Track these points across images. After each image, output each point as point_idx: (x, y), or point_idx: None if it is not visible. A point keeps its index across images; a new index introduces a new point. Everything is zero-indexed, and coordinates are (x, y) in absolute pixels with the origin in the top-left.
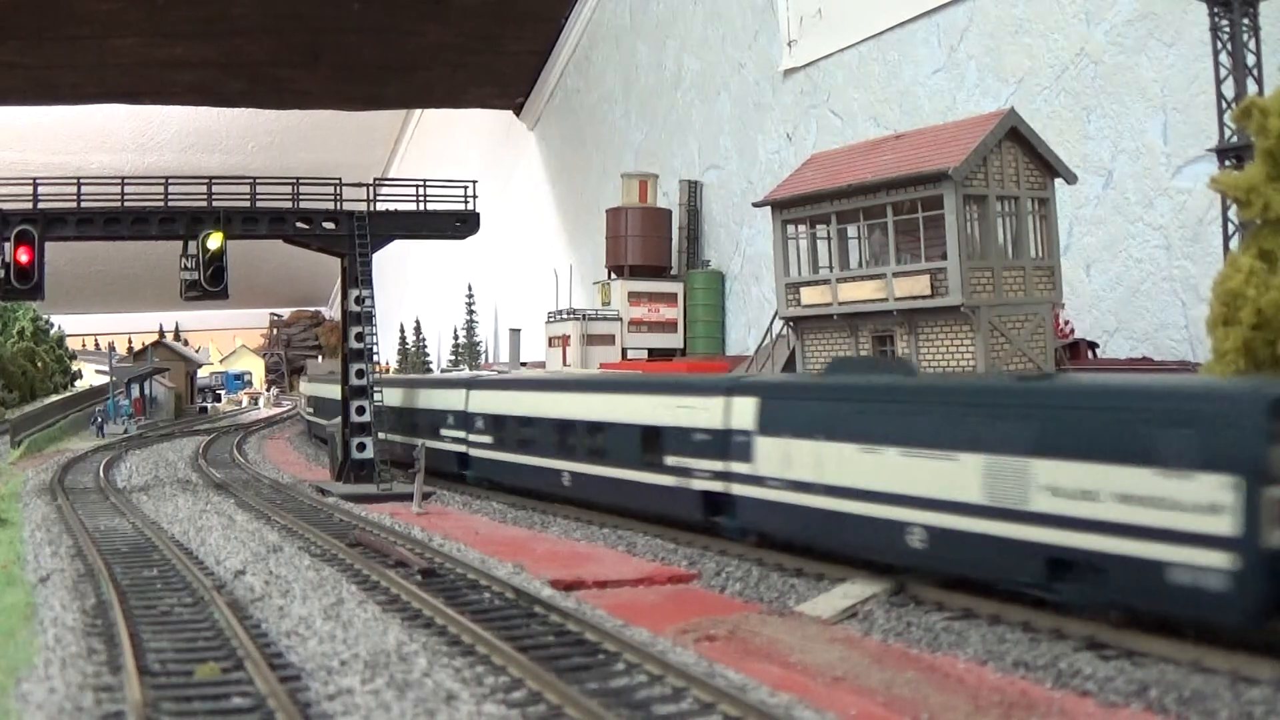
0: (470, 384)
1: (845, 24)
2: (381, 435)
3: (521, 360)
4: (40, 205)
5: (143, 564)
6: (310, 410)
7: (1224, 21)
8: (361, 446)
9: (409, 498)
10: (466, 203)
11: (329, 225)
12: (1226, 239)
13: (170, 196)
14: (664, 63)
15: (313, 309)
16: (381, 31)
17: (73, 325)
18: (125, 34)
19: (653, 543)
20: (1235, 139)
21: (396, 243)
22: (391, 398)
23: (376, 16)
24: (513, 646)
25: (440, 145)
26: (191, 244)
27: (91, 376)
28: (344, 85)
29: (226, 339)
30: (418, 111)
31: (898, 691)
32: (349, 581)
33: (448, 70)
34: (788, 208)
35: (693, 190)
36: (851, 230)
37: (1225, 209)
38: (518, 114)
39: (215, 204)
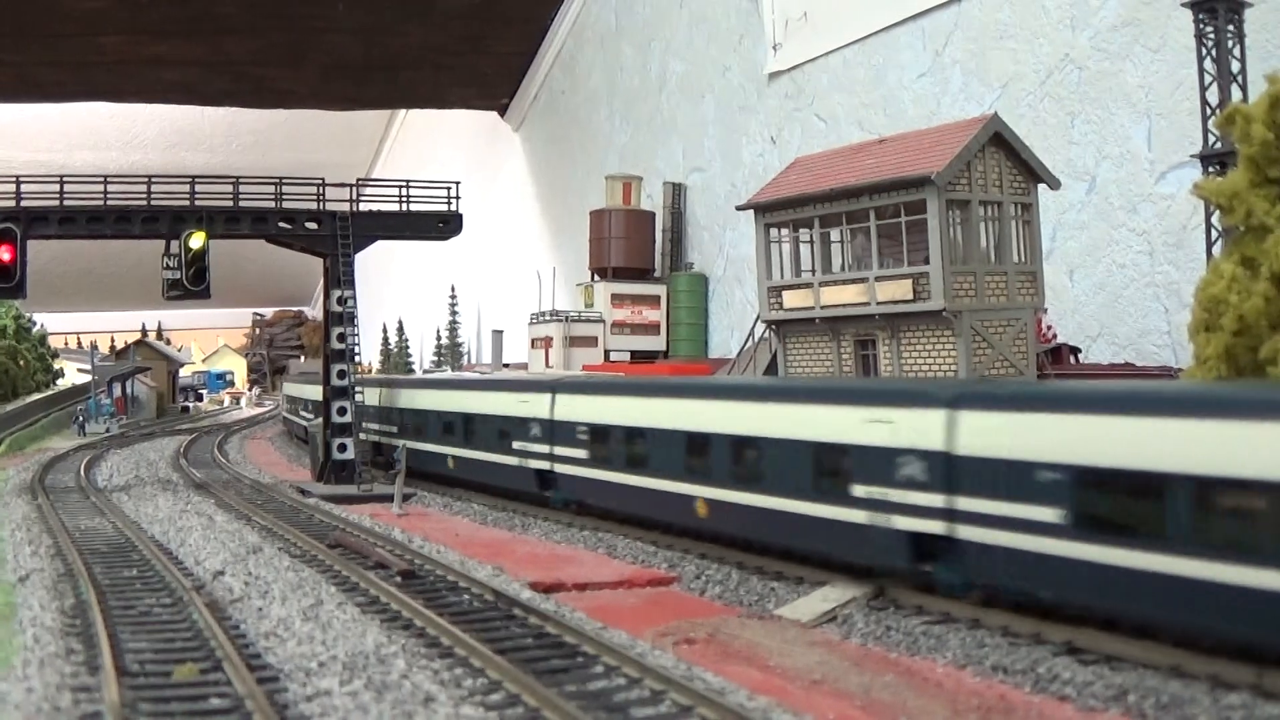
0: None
1: (830, 28)
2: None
3: (504, 362)
4: (23, 203)
5: (122, 564)
6: (288, 408)
7: (1209, 28)
8: (342, 447)
9: (389, 499)
10: (449, 204)
11: (312, 225)
12: (1210, 245)
13: (153, 195)
14: (649, 65)
15: (296, 309)
16: (366, 31)
17: (55, 324)
18: (110, 32)
19: (633, 545)
20: (1219, 145)
21: (380, 243)
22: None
23: (361, 16)
24: (491, 648)
25: (424, 146)
26: (174, 243)
27: (74, 375)
28: (328, 85)
29: (209, 338)
30: (402, 112)
31: (876, 695)
32: (328, 583)
33: (432, 71)
34: (771, 211)
35: (676, 193)
36: (834, 234)
37: (1209, 215)
38: (502, 115)
39: (198, 203)
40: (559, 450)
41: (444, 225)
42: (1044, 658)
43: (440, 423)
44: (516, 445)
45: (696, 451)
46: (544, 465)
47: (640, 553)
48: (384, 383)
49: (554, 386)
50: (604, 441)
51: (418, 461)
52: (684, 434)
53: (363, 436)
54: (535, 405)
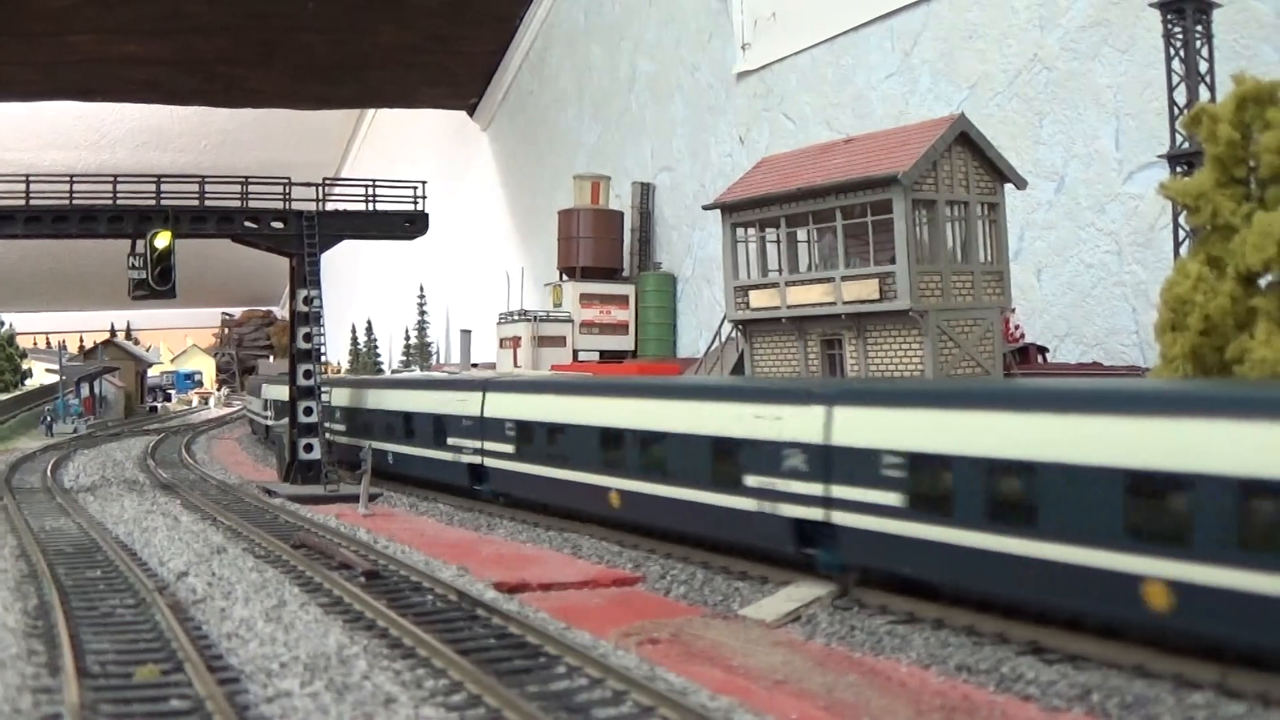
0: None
1: (799, 27)
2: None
3: (473, 362)
4: None
5: (86, 565)
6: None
7: (1177, 28)
8: (309, 447)
9: (356, 499)
10: (416, 203)
11: (277, 225)
12: (1177, 245)
13: (119, 195)
14: (618, 64)
15: (264, 309)
16: (336, 31)
17: (23, 324)
18: (80, 31)
19: (598, 545)
20: (1187, 145)
21: (348, 242)
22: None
23: (331, 15)
24: (454, 649)
25: (393, 145)
26: (139, 243)
27: (42, 375)
28: (298, 84)
29: (178, 338)
30: (371, 111)
31: (839, 695)
32: (292, 583)
33: (401, 70)
34: (737, 210)
35: (645, 192)
36: (801, 234)
37: (1176, 215)
38: (471, 115)
39: (164, 203)
40: (840, 492)
41: (410, 225)
42: (1008, 657)
43: (592, 441)
44: (754, 481)
45: (1147, 504)
46: (812, 513)
47: (605, 553)
48: (484, 385)
49: (830, 395)
50: (934, 481)
51: (535, 491)
52: (1121, 473)
53: (449, 458)
54: (793, 422)
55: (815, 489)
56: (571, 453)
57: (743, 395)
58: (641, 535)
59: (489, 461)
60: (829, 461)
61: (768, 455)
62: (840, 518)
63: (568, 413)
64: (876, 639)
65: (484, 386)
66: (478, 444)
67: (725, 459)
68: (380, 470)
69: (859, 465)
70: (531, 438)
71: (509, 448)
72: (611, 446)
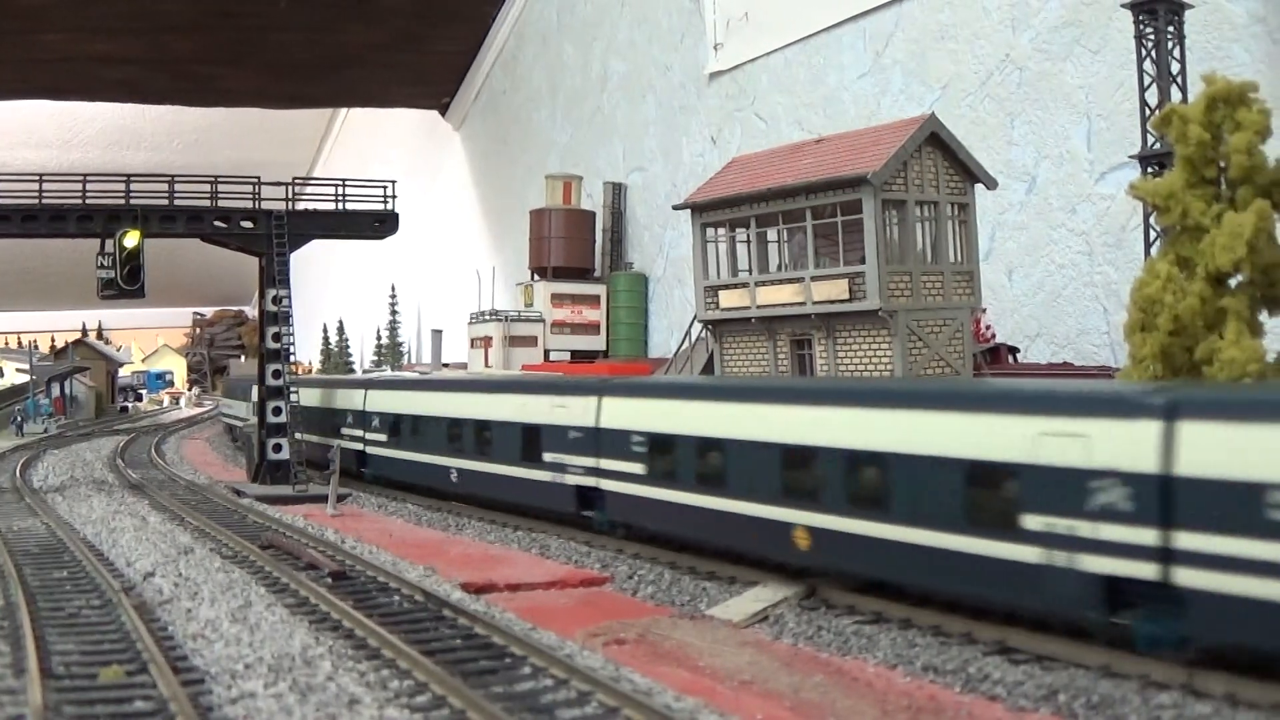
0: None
1: (772, 27)
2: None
3: (444, 361)
4: None
5: (53, 565)
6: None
7: (1149, 29)
8: (278, 448)
9: (324, 499)
10: (386, 203)
11: (247, 224)
12: (1148, 245)
13: (88, 194)
14: (590, 64)
15: (236, 308)
16: (308, 30)
17: None
18: (52, 29)
19: (566, 545)
20: (1158, 146)
21: (320, 242)
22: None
23: (303, 15)
24: (419, 650)
25: (365, 145)
26: (109, 242)
27: (12, 375)
28: (270, 83)
29: (149, 338)
30: (343, 110)
31: (805, 695)
32: (259, 584)
33: (374, 69)
34: (707, 210)
35: (617, 192)
36: (771, 234)
37: (1147, 216)
38: (443, 114)
39: (133, 202)
40: (1192, 541)
41: (380, 224)
42: (975, 657)
43: (769, 462)
44: (1036, 523)
45: None
46: (1137, 569)
47: (573, 553)
48: (600, 388)
49: (1169, 406)
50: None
51: (676, 524)
52: None
53: (546, 478)
54: (1107, 442)
55: (1144, 536)
56: (734, 476)
57: (1015, 404)
58: (827, 579)
59: (606, 484)
60: (1170, 498)
61: (1061, 488)
62: (1190, 578)
63: (730, 424)
64: (843, 639)
65: (600, 390)
66: (591, 461)
67: (988, 491)
68: (436, 491)
69: (1228, 505)
70: (672, 455)
71: (637, 467)
72: (798, 469)
